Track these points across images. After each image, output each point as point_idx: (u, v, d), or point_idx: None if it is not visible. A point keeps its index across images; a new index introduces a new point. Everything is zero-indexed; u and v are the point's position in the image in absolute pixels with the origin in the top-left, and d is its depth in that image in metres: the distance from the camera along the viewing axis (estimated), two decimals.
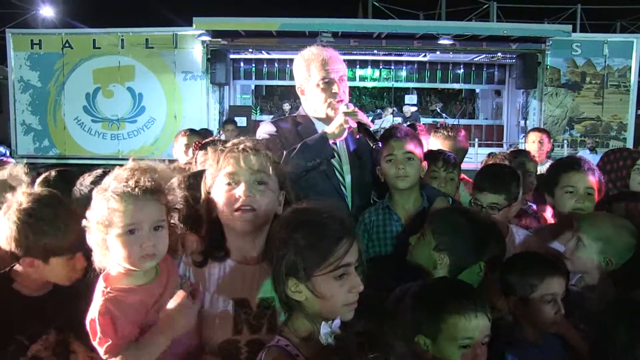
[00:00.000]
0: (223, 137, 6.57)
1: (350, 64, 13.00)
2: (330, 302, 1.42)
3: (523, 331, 1.89)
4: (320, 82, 2.54)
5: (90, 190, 2.24)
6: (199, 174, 1.86)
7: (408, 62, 13.16)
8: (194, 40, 10.70)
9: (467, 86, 14.03)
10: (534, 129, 5.22)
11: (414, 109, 13.08)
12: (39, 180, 2.36)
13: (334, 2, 20.93)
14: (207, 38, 10.61)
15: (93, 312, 1.47)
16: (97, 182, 2.29)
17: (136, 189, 1.48)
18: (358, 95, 15.81)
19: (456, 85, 13.82)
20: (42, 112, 10.95)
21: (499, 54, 11.53)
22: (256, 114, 13.54)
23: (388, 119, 12.15)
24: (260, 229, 1.69)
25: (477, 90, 14.78)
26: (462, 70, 13.10)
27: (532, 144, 4.80)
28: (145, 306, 1.52)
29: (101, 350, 1.44)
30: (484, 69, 12.99)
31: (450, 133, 3.46)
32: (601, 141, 10.93)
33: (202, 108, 10.85)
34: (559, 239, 2.36)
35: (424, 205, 2.44)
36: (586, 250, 2.11)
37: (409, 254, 2.09)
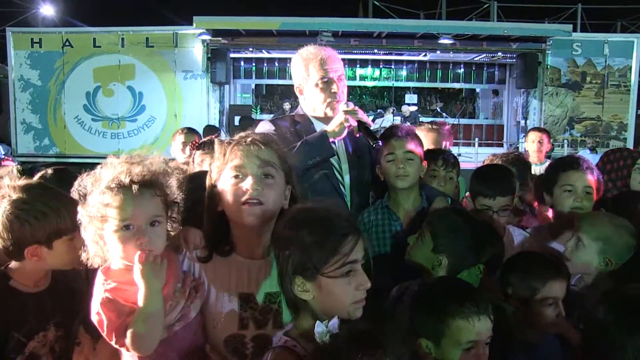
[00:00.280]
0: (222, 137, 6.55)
1: (351, 63, 13.02)
2: (338, 300, 1.42)
3: (523, 332, 1.89)
4: (319, 82, 2.54)
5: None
6: (198, 177, 1.85)
7: (408, 62, 13.16)
8: (194, 39, 10.71)
9: (467, 86, 14.05)
10: (534, 129, 5.22)
11: (413, 108, 13.08)
12: (35, 178, 2.36)
13: (334, 1, 20.91)
14: (207, 37, 10.62)
15: (96, 306, 1.46)
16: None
17: (131, 183, 1.47)
18: (358, 95, 15.81)
19: (456, 85, 13.83)
20: (42, 110, 10.95)
21: (500, 53, 11.53)
22: (256, 113, 13.55)
23: (388, 119, 12.15)
24: (267, 223, 1.67)
25: (478, 90, 14.80)
26: (462, 70, 13.11)
27: (532, 143, 4.81)
28: None
29: (113, 340, 1.43)
30: (485, 69, 13.00)
31: (433, 126, 3.47)
32: (601, 141, 10.93)
33: (203, 107, 10.86)
34: (559, 239, 2.36)
35: (423, 205, 2.44)
36: (586, 251, 2.11)
37: (407, 254, 2.08)
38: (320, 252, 1.40)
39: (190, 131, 4.31)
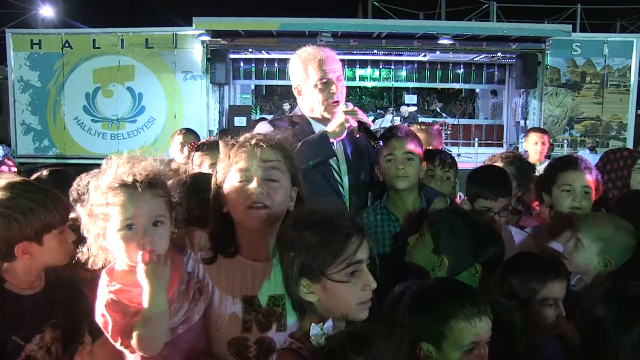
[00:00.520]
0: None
1: (350, 64, 13.03)
2: (343, 301, 1.41)
3: (524, 333, 1.88)
4: (318, 83, 2.53)
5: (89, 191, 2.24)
6: (199, 178, 1.83)
7: (408, 62, 13.17)
8: (193, 40, 10.71)
9: (467, 86, 14.06)
10: (535, 130, 5.10)
11: (412, 109, 13.08)
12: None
13: (333, 2, 20.92)
14: (207, 38, 10.62)
15: (101, 308, 1.44)
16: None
17: (134, 182, 1.45)
18: (358, 95, 15.81)
19: (456, 85, 13.83)
20: (41, 112, 10.96)
21: (499, 53, 11.54)
22: (256, 113, 13.56)
23: (387, 119, 12.16)
24: (272, 225, 1.65)
25: (477, 90, 14.81)
26: (462, 70, 13.12)
27: (534, 145, 4.73)
28: None
29: (118, 341, 1.42)
30: (484, 69, 13.01)
31: (422, 126, 3.47)
32: (601, 141, 10.93)
33: (202, 108, 10.86)
34: (558, 239, 2.36)
35: (422, 206, 2.43)
36: (585, 251, 2.11)
37: (407, 255, 2.08)
38: (326, 253, 1.39)
39: (188, 131, 4.32)
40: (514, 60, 11.60)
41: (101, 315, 1.44)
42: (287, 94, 14.23)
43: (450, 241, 1.95)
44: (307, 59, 2.57)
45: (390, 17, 17.72)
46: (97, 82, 10.86)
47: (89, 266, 1.52)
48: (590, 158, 3.01)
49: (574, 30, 11.85)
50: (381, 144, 2.41)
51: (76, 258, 1.54)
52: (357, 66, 13.47)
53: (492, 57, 11.93)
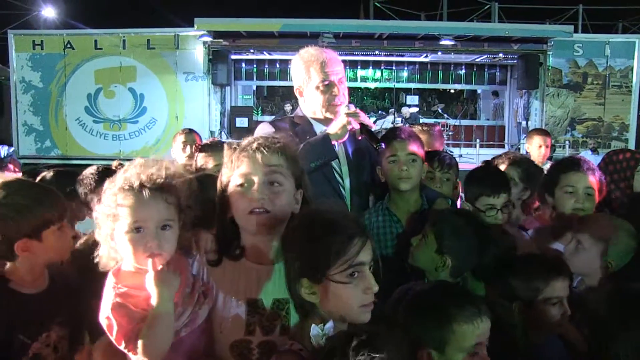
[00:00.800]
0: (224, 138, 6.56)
1: (352, 65, 13.04)
2: (345, 303, 1.41)
3: (526, 333, 1.88)
4: (320, 85, 2.53)
5: (95, 183, 2.24)
6: (204, 179, 1.83)
7: (409, 63, 13.19)
8: (195, 41, 10.73)
9: (468, 87, 14.07)
10: (538, 132, 5.02)
11: (414, 109, 13.07)
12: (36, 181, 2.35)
13: (335, 3, 20.95)
14: (208, 39, 10.64)
15: (106, 310, 1.44)
16: (100, 176, 2.29)
17: (143, 186, 1.46)
18: (360, 96, 15.81)
19: (458, 86, 13.85)
20: (43, 112, 10.99)
21: (501, 54, 11.56)
22: (257, 114, 13.56)
23: (389, 120, 12.16)
24: (275, 229, 1.63)
25: (479, 91, 14.79)
26: (463, 71, 13.13)
27: (537, 148, 4.68)
28: None
29: (122, 345, 1.42)
30: (486, 70, 13.02)
31: (424, 127, 3.46)
32: (603, 142, 10.93)
33: (204, 109, 10.89)
34: (560, 240, 2.36)
35: (423, 207, 2.44)
36: (586, 253, 2.11)
37: (410, 257, 2.08)
38: (327, 254, 1.39)
39: (190, 132, 4.32)
40: (515, 61, 11.61)
41: (106, 317, 1.44)
42: (288, 94, 14.22)
43: (453, 241, 1.95)
44: (309, 61, 2.56)
45: (392, 18, 17.73)
46: (99, 83, 10.90)
47: (100, 268, 1.52)
48: (592, 159, 2.99)
49: (575, 31, 11.88)
50: (383, 146, 2.41)
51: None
52: (359, 67, 13.48)
53: (494, 58, 11.94)
